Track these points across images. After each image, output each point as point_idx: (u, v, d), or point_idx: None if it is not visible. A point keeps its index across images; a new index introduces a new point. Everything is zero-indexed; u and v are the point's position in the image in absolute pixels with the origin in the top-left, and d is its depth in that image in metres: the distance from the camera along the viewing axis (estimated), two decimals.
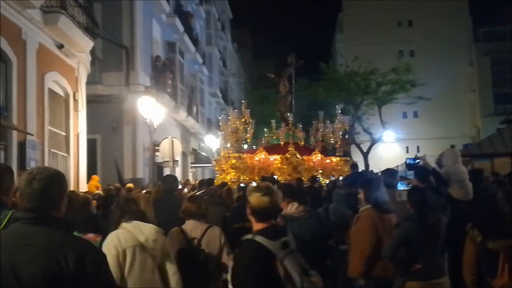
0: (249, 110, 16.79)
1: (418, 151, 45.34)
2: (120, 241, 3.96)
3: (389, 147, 46.76)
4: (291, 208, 5.90)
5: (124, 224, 4.15)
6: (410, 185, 5.86)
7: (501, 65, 49.62)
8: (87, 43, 13.59)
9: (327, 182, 14.17)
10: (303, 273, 3.17)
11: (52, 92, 12.54)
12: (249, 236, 3.37)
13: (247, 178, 14.96)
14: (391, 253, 5.09)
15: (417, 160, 7.01)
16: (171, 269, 4.20)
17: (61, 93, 13.18)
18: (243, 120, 16.28)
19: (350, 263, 5.64)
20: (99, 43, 16.79)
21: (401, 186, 5.95)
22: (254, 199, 3.40)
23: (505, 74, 49.31)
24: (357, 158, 30.23)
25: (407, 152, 47.33)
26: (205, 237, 4.76)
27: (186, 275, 4.50)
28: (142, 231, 4.12)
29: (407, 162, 7.10)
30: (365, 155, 34.49)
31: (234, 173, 15.40)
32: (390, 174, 6.84)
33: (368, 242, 5.39)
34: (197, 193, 8.90)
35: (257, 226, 3.38)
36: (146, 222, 4.24)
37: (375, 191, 5.78)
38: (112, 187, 10.89)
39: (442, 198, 5.80)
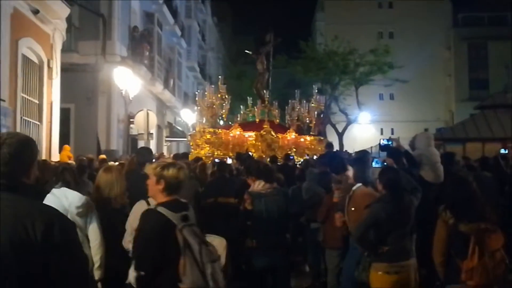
0: (225, 85, 16.72)
1: (392, 133, 45.82)
2: None
3: (364, 129, 47.15)
4: (257, 185, 5.96)
5: (54, 190, 4.51)
6: (385, 164, 5.81)
7: (478, 51, 50.29)
8: (63, 10, 13.30)
9: (301, 160, 14.25)
10: (202, 242, 3.52)
11: (26, 59, 12.28)
12: (152, 207, 3.79)
13: (221, 154, 14.99)
14: (360, 234, 5.04)
15: (391, 142, 7.04)
16: (93, 235, 4.61)
17: (35, 60, 12.91)
18: (219, 95, 16.22)
19: None
20: (75, 10, 16.46)
21: (376, 164, 5.91)
22: (172, 172, 3.73)
23: (481, 60, 50.01)
24: (332, 138, 30.39)
25: (382, 134, 47.78)
26: None
27: None
28: (67, 197, 4.48)
29: (381, 143, 7.13)
30: (340, 135, 34.70)
31: (208, 148, 15.39)
32: (363, 154, 6.90)
33: None
34: None
35: (163, 199, 3.72)
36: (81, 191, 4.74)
37: (366, 170, 5.85)
38: (84, 158, 10.77)
39: (413, 180, 5.81)
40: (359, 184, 5.69)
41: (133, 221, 4.72)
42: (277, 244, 5.92)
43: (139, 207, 4.79)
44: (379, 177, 5.26)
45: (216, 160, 12.20)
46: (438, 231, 4.59)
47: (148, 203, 4.74)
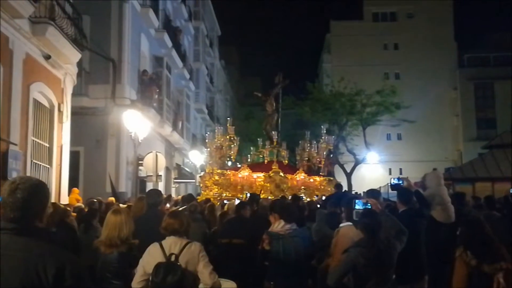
0: (234, 127, 16.82)
1: (401, 173, 45.65)
2: None
3: (372, 169, 46.99)
4: (277, 226, 5.92)
5: None
6: (369, 205, 5.69)
7: (484, 91, 50.56)
8: (74, 55, 13.54)
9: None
10: None
11: (37, 103, 12.44)
12: None
13: (230, 195, 14.94)
14: (335, 281, 4.91)
15: (401, 181, 6.98)
16: None
17: (46, 104, 13.08)
18: (228, 137, 16.30)
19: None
20: (86, 55, 16.75)
21: (358, 206, 5.77)
22: None
23: (488, 100, 50.23)
24: (340, 178, 30.26)
25: (390, 174, 47.63)
26: (183, 253, 4.65)
27: None
28: None
29: (392, 183, 7.07)
30: (349, 175, 34.58)
31: (217, 189, 15.36)
32: (373, 194, 6.86)
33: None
34: (179, 209, 8.86)
35: None
36: None
37: (348, 210, 5.84)
38: (95, 200, 10.78)
39: (400, 223, 5.57)
40: (347, 223, 5.68)
41: (146, 263, 4.69)
42: (295, 287, 5.83)
43: (153, 250, 4.76)
44: (358, 220, 5.19)
45: (225, 202, 12.16)
46: (458, 272, 4.49)
47: (161, 246, 4.71)
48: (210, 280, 4.66)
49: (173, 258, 4.59)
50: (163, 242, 4.76)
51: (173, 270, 4.49)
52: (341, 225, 6.00)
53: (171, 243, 4.73)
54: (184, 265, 4.58)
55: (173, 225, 4.79)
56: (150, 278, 4.54)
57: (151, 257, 4.69)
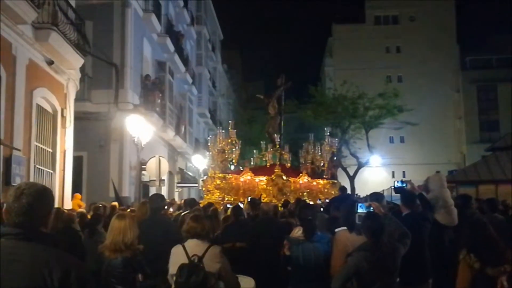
0: (236, 130, 16.78)
1: (404, 176, 45.58)
2: None
3: (375, 172, 46.96)
4: (297, 231, 5.98)
5: None
6: (371, 209, 5.64)
7: (487, 93, 50.51)
8: (77, 60, 13.56)
9: None
10: None
11: (40, 108, 12.47)
12: None
13: (232, 199, 14.90)
14: (339, 285, 4.86)
15: (405, 184, 6.95)
16: None
17: (49, 109, 13.11)
18: (229, 140, 16.27)
19: None
20: (89, 60, 16.79)
21: (360, 209, 5.73)
22: None
23: (491, 102, 50.15)
24: (343, 181, 30.18)
25: (393, 177, 47.58)
26: (206, 256, 4.80)
27: None
28: None
29: (395, 185, 7.04)
30: (352, 178, 34.53)
31: (218, 194, 15.32)
32: (376, 197, 6.84)
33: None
34: (183, 213, 8.88)
35: None
36: None
37: (349, 214, 5.82)
38: (100, 205, 10.78)
39: (403, 226, 5.51)
40: (342, 228, 5.68)
41: (170, 264, 4.89)
42: None
43: (176, 252, 4.92)
44: (361, 224, 5.16)
45: (228, 206, 12.14)
46: (461, 276, 4.48)
47: (184, 248, 4.80)
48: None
49: (195, 259, 4.75)
50: (186, 245, 4.93)
51: (196, 271, 4.64)
52: (336, 230, 5.99)
53: (194, 246, 4.90)
54: (206, 267, 4.72)
55: (195, 228, 4.97)
56: (174, 279, 4.70)
57: (175, 258, 4.88)
